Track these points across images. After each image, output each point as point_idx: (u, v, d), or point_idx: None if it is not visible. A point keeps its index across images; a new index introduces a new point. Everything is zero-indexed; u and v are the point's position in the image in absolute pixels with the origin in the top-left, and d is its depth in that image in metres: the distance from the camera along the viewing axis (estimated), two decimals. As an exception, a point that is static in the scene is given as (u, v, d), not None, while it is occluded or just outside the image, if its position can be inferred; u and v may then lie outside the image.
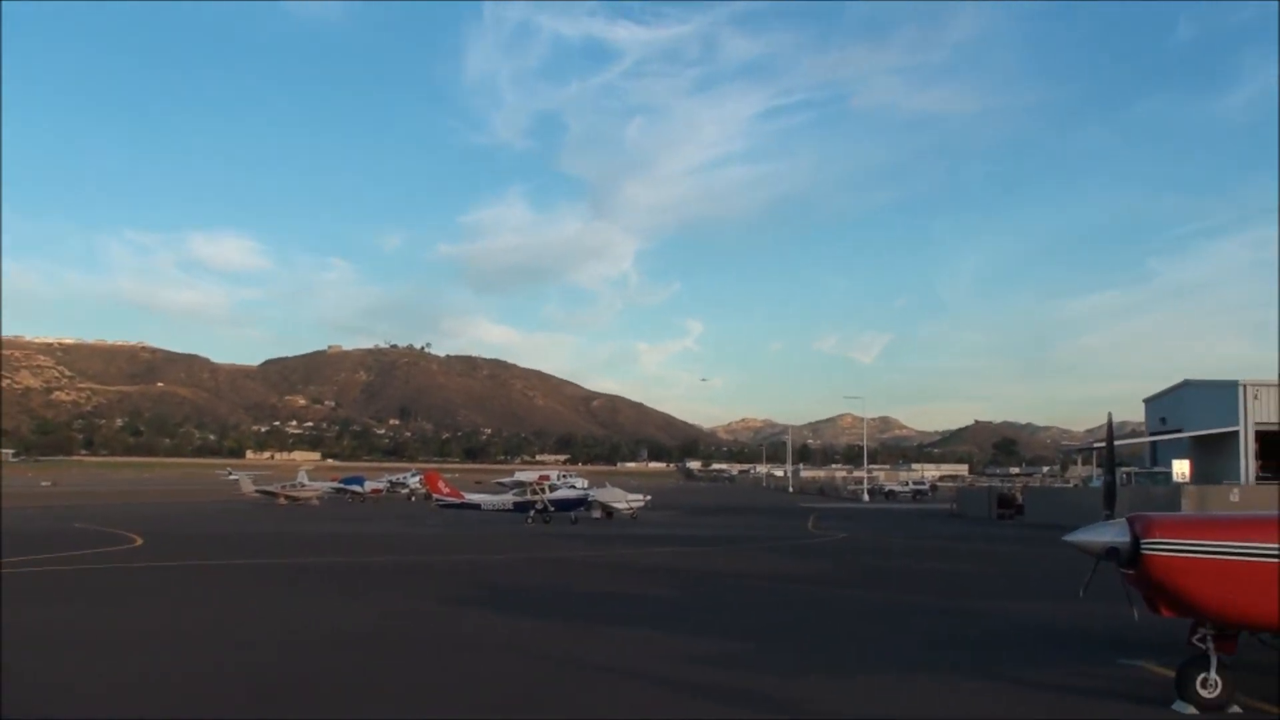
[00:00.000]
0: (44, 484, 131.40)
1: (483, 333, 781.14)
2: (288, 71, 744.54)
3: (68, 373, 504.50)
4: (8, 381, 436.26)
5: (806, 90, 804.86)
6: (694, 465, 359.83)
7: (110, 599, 20.99)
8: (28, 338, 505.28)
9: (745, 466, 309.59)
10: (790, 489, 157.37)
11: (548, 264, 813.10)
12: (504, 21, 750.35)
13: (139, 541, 36.82)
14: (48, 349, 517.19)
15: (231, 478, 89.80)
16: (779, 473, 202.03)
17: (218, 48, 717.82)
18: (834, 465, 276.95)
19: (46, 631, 16.33)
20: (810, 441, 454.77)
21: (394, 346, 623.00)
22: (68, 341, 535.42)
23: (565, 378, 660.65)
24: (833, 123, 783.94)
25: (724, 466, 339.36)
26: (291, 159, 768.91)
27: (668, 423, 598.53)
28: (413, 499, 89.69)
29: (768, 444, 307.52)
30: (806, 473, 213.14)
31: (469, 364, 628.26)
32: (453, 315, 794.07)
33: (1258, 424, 59.34)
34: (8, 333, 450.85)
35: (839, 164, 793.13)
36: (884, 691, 12.61)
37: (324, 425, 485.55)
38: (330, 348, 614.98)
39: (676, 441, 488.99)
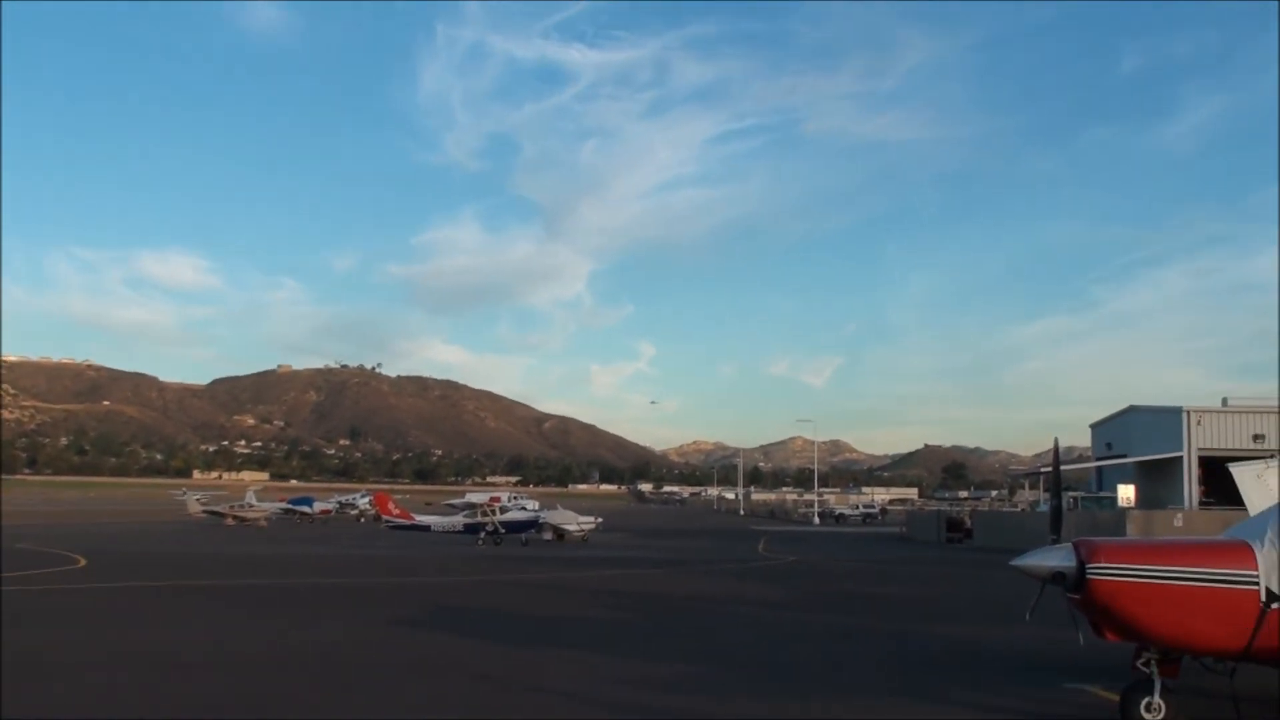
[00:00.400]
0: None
1: (434, 353, 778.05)
2: (238, 89, 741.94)
3: (11, 390, 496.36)
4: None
5: (758, 115, 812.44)
6: (645, 487, 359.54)
7: (52, 621, 20.65)
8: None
9: (696, 489, 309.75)
10: (741, 511, 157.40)
11: (500, 285, 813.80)
12: (457, 42, 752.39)
13: (82, 562, 36.28)
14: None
15: (186, 497, 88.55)
16: (730, 495, 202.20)
17: (167, 64, 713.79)
18: (785, 488, 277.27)
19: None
20: (761, 464, 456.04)
21: (344, 366, 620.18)
22: (11, 359, 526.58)
23: (517, 399, 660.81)
24: (784, 148, 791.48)
25: (675, 489, 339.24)
26: (242, 177, 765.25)
27: (619, 445, 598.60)
28: (362, 520, 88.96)
29: (719, 466, 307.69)
30: (757, 495, 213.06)
31: (420, 385, 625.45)
32: (404, 336, 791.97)
33: (1201, 449, 60.11)
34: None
35: (790, 188, 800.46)
36: (832, 714, 12.65)
37: (273, 445, 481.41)
38: (280, 367, 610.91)
39: (628, 463, 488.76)
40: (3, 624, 18.77)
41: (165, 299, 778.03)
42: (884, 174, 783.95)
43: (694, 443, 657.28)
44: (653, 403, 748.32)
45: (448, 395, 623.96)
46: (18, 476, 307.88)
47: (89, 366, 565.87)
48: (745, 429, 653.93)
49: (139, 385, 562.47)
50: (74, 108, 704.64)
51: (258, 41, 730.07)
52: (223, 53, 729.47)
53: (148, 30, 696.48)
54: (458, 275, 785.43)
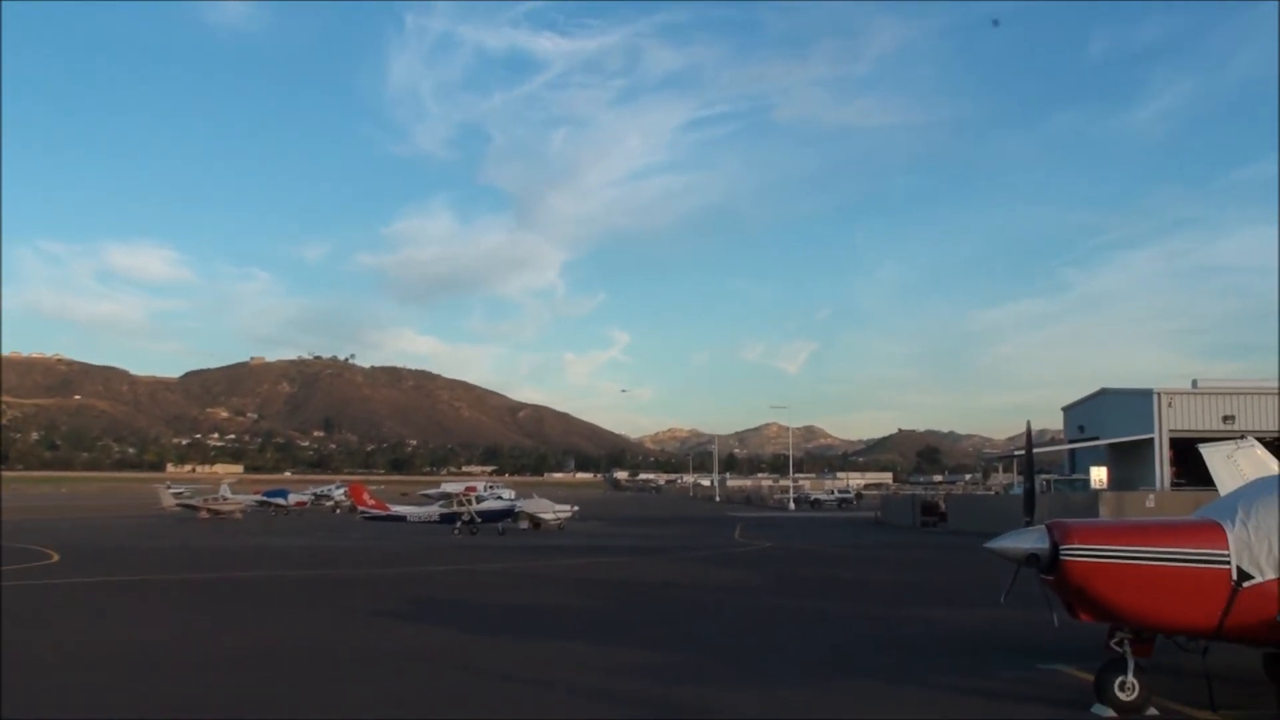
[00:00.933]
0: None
1: (407, 344, 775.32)
2: (207, 80, 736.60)
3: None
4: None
5: (729, 102, 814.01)
6: (621, 475, 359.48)
7: (28, 618, 20.49)
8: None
9: (672, 476, 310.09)
10: (717, 498, 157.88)
11: (472, 275, 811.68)
12: (426, 31, 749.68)
13: (55, 557, 36.01)
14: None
15: (172, 490, 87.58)
16: (705, 482, 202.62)
17: (136, 55, 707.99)
18: (760, 474, 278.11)
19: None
20: (736, 451, 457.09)
21: (317, 358, 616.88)
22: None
23: (491, 388, 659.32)
24: (755, 134, 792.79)
25: (651, 476, 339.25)
26: (212, 169, 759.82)
27: (594, 433, 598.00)
28: (338, 512, 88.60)
29: (694, 454, 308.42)
30: (733, 482, 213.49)
31: (394, 375, 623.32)
32: (377, 326, 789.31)
33: (1172, 431, 60.54)
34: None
35: (762, 175, 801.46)
36: (808, 698, 12.71)
37: (247, 438, 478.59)
38: (253, 359, 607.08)
39: (603, 452, 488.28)
40: (2, 623, 18.60)
41: (135, 292, 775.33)
42: (855, 160, 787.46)
43: (669, 430, 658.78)
44: (623, 391, 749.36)
45: (421, 385, 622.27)
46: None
47: (59, 361, 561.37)
48: (720, 416, 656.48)
49: (110, 379, 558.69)
50: (42, 102, 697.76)
51: (227, 34, 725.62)
52: (192, 43, 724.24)
53: (117, 25, 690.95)
54: (430, 265, 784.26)
